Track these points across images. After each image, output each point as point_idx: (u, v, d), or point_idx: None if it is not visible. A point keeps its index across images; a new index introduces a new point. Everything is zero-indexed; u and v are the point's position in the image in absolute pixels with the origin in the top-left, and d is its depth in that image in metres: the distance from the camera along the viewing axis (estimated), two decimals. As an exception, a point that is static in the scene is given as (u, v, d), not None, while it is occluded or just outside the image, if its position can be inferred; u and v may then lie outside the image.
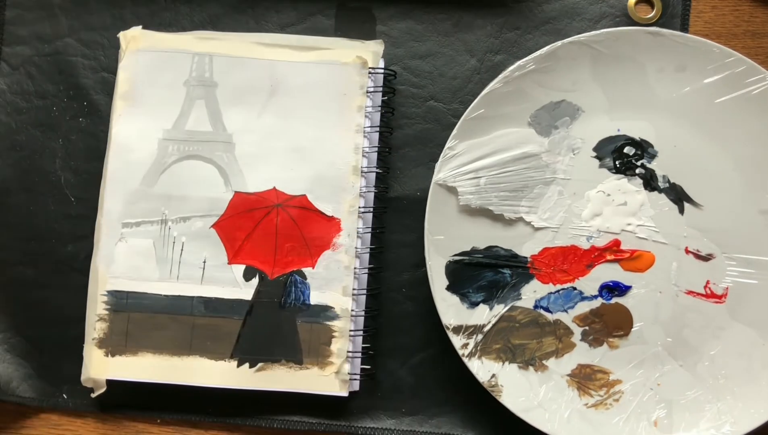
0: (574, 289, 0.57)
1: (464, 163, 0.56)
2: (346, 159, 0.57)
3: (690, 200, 0.57)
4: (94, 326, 0.57)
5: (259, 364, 0.56)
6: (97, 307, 0.57)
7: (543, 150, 0.57)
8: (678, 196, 0.57)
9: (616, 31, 0.55)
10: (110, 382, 0.56)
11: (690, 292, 0.57)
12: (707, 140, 0.56)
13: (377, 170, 0.58)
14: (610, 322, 0.57)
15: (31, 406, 0.59)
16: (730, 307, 0.56)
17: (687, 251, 0.57)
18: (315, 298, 0.56)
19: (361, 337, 0.57)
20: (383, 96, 0.58)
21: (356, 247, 0.57)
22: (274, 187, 0.57)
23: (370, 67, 0.58)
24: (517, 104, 0.56)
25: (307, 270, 0.57)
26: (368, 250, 0.57)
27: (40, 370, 0.59)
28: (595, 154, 0.57)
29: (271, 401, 0.57)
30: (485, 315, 0.57)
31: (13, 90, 0.61)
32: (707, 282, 0.57)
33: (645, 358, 0.56)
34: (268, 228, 0.57)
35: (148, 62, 0.58)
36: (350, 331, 0.56)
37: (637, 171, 0.57)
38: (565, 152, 0.57)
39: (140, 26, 0.59)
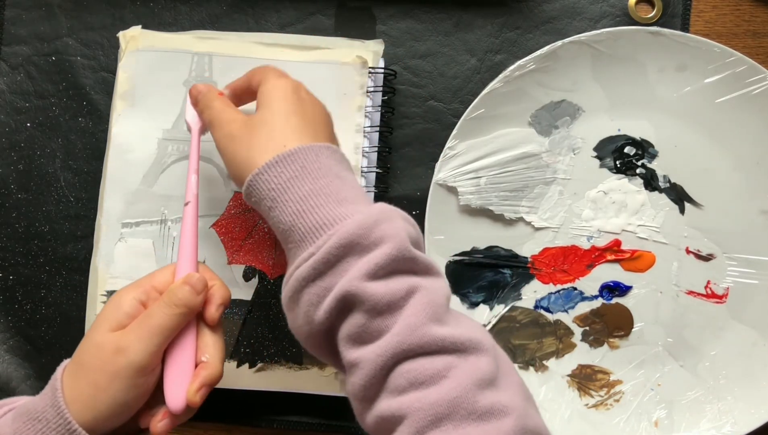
0: (575, 289, 0.57)
1: (464, 163, 0.56)
2: (346, 159, 0.57)
3: (690, 200, 0.57)
4: (94, 326, 0.56)
5: (259, 364, 0.56)
6: (97, 307, 0.57)
7: (543, 150, 0.57)
8: (678, 196, 0.57)
9: (617, 30, 0.55)
10: (110, 383, 0.56)
11: (690, 293, 0.57)
12: (708, 140, 0.56)
13: (377, 170, 0.57)
14: (610, 323, 0.57)
15: (30, 407, 0.59)
16: (731, 308, 0.56)
17: (687, 251, 0.57)
18: (315, 298, 0.56)
19: (361, 338, 0.56)
20: (383, 96, 0.58)
21: (356, 247, 0.57)
22: (274, 187, 0.57)
23: (370, 67, 0.58)
24: (518, 104, 0.56)
25: (307, 270, 0.57)
26: (368, 250, 0.57)
27: (39, 370, 0.59)
28: (595, 154, 0.57)
29: (271, 401, 0.57)
30: (485, 315, 0.56)
31: (12, 90, 0.61)
32: (708, 282, 0.56)
33: (645, 359, 0.56)
34: (267, 228, 0.57)
35: (148, 62, 0.58)
36: (350, 331, 0.56)
37: (638, 171, 0.57)
38: (566, 152, 0.57)
39: (140, 26, 0.59)
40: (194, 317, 0.46)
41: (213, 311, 0.46)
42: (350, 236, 0.39)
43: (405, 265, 0.40)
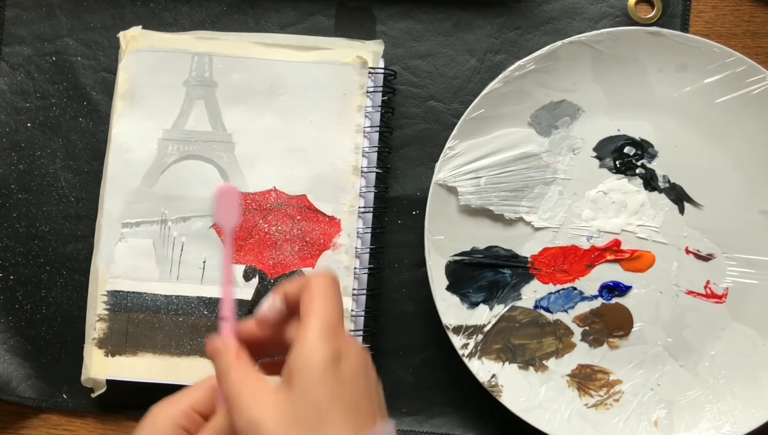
0: (575, 289, 0.57)
1: (464, 163, 0.56)
2: (346, 159, 0.57)
3: (690, 200, 0.57)
4: (94, 326, 0.57)
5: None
6: (97, 307, 0.57)
7: (543, 150, 0.57)
8: (678, 196, 0.57)
9: (617, 30, 0.55)
10: (110, 382, 0.56)
11: (690, 292, 0.57)
12: (707, 140, 0.56)
13: (377, 170, 0.58)
14: (610, 323, 0.57)
15: (31, 406, 0.59)
16: (731, 307, 0.56)
17: (687, 251, 0.57)
18: (315, 298, 0.56)
19: (361, 337, 0.57)
20: (383, 96, 0.58)
21: (356, 247, 0.57)
22: (274, 187, 0.57)
23: (370, 67, 0.58)
24: (518, 104, 0.56)
25: (307, 270, 0.57)
26: (368, 250, 0.57)
27: (40, 370, 0.59)
28: (595, 154, 0.57)
29: (271, 401, 0.57)
30: (485, 315, 0.56)
31: (13, 90, 0.61)
32: (707, 282, 0.56)
33: (645, 359, 0.56)
34: (268, 228, 0.57)
35: (148, 62, 0.58)
36: (350, 331, 0.56)
37: (638, 171, 0.57)
38: (566, 152, 0.57)
39: (140, 26, 0.59)
40: None
41: None
42: None
43: None
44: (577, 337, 0.57)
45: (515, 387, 0.55)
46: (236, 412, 0.38)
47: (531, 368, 0.56)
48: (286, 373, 0.38)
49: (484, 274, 0.57)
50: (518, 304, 0.57)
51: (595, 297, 0.57)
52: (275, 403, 0.38)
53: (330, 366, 0.38)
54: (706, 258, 0.57)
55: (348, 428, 0.37)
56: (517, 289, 0.57)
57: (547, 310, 0.57)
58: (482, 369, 0.56)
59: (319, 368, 0.38)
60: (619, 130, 0.57)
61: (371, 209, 0.57)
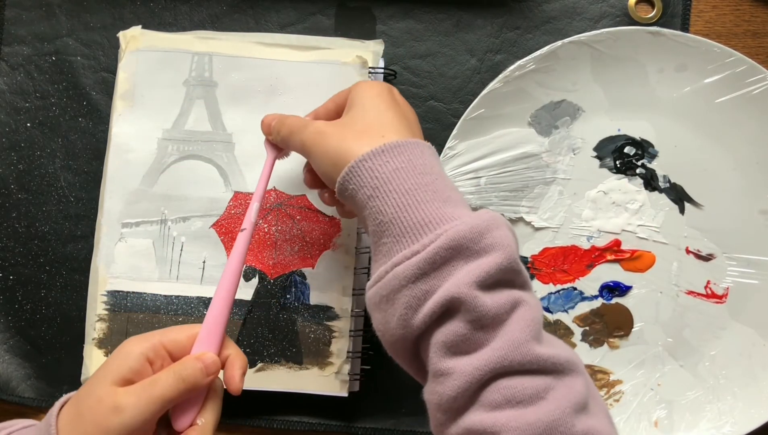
0: (575, 289, 0.57)
1: (464, 163, 0.56)
2: (346, 159, 0.57)
3: (690, 200, 0.57)
4: (94, 326, 0.57)
5: (259, 364, 0.56)
6: (97, 307, 0.57)
7: (543, 150, 0.57)
8: (678, 196, 0.57)
9: (617, 30, 0.55)
10: (110, 382, 0.56)
11: (690, 292, 0.57)
12: (707, 140, 0.56)
13: (377, 170, 0.57)
14: (610, 323, 0.57)
15: (31, 406, 0.59)
16: (731, 307, 0.56)
17: (687, 251, 0.57)
18: (315, 298, 0.56)
19: (361, 337, 0.57)
20: (383, 96, 0.58)
21: (356, 247, 0.57)
22: (274, 187, 0.57)
23: (370, 67, 0.58)
24: (517, 104, 0.56)
25: (307, 270, 0.57)
26: (368, 249, 0.57)
27: (40, 370, 0.59)
28: (595, 154, 0.57)
29: (271, 401, 0.57)
30: (485, 315, 0.56)
31: (13, 90, 0.61)
32: (708, 282, 0.56)
33: (645, 359, 0.56)
34: (268, 228, 0.57)
35: (148, 62, 0.58)
36: (350, 331, 0.56)
37: (638, 171, 0.57)
38: (566, 152, 0.57)
39: (140, 26, 0.59)
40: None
41: (237, 381, 0.44)
42: (461, 239, 0.38)
43: (509, 276, 0.39)
44: (577, 337, 0.57)
45: (515, 387, 0.55)
46: (302, 131, 0.46)
47: (531, 368, 0.56)
48: (347, 107, 0.47)
49: (484, 274, 0.57)
50: (518, 304, 0.57)
51: (595, 297, 0.57)
52: (335, 120, 0.47)
53: (385, 90, 0.47)
54: (707, 258, 0.57)
55: (403, 129, 0.44)
56: (517, 289, 0.57)
57: (547, 310, 0.57)
58: (482, 369, 0.55)
59: (374, 90, 0.46)
60: (619, 130, 0.57)
61: (371, 209, 0.57)
